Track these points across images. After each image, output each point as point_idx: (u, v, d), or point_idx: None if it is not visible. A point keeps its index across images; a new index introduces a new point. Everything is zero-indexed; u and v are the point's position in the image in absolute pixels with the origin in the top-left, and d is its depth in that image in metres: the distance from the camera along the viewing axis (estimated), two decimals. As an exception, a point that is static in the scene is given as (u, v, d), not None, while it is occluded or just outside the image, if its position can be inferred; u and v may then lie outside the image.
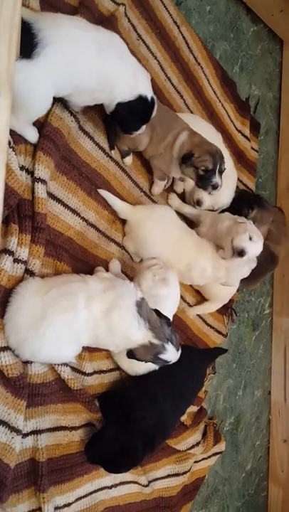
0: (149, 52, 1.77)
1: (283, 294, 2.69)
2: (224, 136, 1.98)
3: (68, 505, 1.35)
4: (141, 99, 1.32)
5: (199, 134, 1.57)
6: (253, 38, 2.52)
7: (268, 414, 2.74)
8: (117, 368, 1.55)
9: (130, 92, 1.30)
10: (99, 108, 1.49)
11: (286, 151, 2.69)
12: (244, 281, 1.80)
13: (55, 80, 1.16)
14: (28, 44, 1.05)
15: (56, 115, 1.31)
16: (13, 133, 1.19)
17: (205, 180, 1.56)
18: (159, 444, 1.54)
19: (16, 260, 1.21)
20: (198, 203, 1.80)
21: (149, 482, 1.71)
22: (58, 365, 1.31)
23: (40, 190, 1.25)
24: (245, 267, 1.67)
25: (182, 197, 1.87)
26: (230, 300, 2.24)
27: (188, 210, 1.82)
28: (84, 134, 1.46)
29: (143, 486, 1.68)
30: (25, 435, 1.23)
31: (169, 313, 1.45)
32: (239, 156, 2.32)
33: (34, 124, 1.29)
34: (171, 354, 1.23)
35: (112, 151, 1.56)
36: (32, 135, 1.26)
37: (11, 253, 1.17)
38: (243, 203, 1.87)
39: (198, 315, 2.01)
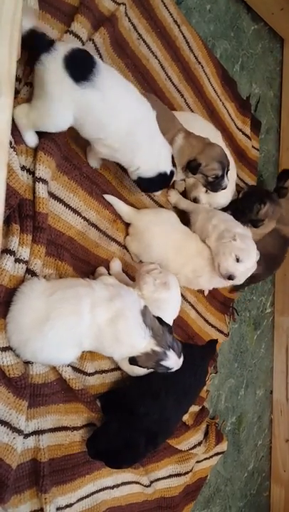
0: (149, 52, 1.77)
1: (285, 293, 2.69)
2: (225, 135, 1.98)
3: (70, 505, 1.35)
4: (160, 175, 1.41)
5: (193, 133, 1.57)
6: (253, 36, 2.52)
7: (270, 413, 2.74)
8: (119, 367, 1.55)
9: (152, 170, 1.39)
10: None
11: (287, 149, 2.69)
12: (267, 270, 1.80)
13: (81, 117, 1.18)
14: (87, 70, 1.12)
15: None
16: (14, 133, 1.19)
17: (215, 186, 1.58)
18: (162, 442, 1.54)
19: (18, 260, 1.20)
20: (194, 201, 1.81)
21: (151, 482, 1.71)
22: (60, 365, 1.31)
23: (41, 190, 1.25)
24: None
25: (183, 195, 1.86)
26: (231, 299, 2.25)
27: (185, 205, 1.81)
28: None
29: (145, 486, 1.67)
30: (26, 435, 1.23)
31: (171, 316, 1.47)
32: (240, 155, 2.31)
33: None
34: (173, 361, 1.24)
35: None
36: (31, 139, 1.24)
37: (12, 253, 1.17)
38: (254, 199, 1.85)
39: (199, 314, 2.00)
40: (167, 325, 1.26)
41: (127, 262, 1.62)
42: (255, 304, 2.54)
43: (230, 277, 1.53)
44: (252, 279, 1.80)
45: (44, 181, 1.26)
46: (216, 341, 2.01)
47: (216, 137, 1.86)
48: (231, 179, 1.93)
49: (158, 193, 1.61)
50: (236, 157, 2.25)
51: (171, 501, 1.80)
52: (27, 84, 1.25)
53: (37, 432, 1.26)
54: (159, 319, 1.25)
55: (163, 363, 1.23)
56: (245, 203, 1.79)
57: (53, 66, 1.10)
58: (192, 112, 1.97)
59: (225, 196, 1.89)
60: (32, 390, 1.23)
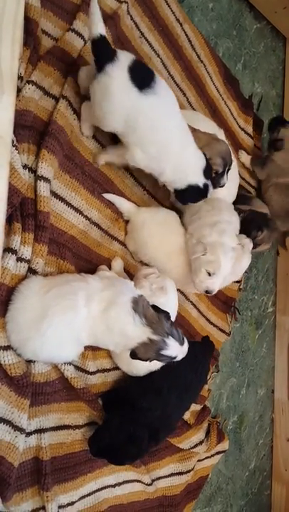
0: (151, 50, 1.76)
1: (286, 293, 2.69)
2: (227, 134, 1.98)
3: (72, 503, 1.35)
4: (191, 187, 1.45)
5: (199, 129, 1.56)
6: (256, 35, 2.51)
7: (272, 412, 2.74)
8: (121, 366, 1.55)
9: (180, 181, 1.44)
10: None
11: None
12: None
13: (136, 120, 1.26)
14: (149, 79, 1.24)
15: (61, 113, 1.31)
16: (16, 131, 1.19)
17: (214, 181, 1.57)
18: (164, 437, 1.54)
19: (19, 259, 1.20)
20: None
21: (153, 481, 1.71)
22: (61, 363, 1.31)
23: (43, 188, 1.25)
24: (244, 259, 1.73)
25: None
26: (233, 298, 2.24)
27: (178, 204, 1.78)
28: (87, 133, 1.46)
29: (146, 484, 1.68)
30: (28, 434, 1.24)
31: None
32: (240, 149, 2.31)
33: (37, 122, 1.29)
34: (175, 349, 1.20)
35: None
36: (86, 131, 1.40)
37: (14, 252, 1.17)
38: (253, 226, 1.92)
39: (201, 313, 2.00)
40: (164, 312, 1.22)
41: (129, 261, 1.62)
42: (256, 304, 2.54)
43: (207, 292, 1.54)
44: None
45: (46, 180, 1.26)
46: (208, 337, 2.00)
47: (218, 135, 1.85)
48: (234, 177, 1.92)
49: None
50: (236, 154, 2.24)
51: (173, 500, 1.80)
52: (29, 82, 1.25)
53: (39, 431, 1.27)
54: (155, 307, 1.22)
55: (164, 352, 1.18)
56: (244, 229, 1.85)
57: (118, 75, 1.19)
58: (194, 110, 1.96)
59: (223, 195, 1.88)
60: (34, 388, 1.23)
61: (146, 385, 1.45)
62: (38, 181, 1.25)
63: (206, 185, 1.48)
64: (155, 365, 1.44)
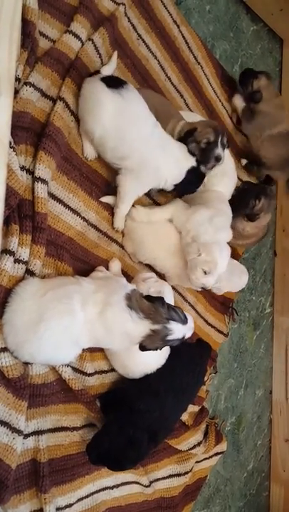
0: (149, 52, 1.77)
1: (284, 293, 2.69)
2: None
3: (70, 505, 1.35)
4: (190, 172, 1.46)
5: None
6: (252, 37, 2.52)
7: (270, 413, 2.74)
8: (118, 368, 1.55)
9: (180, 173, 1.46)
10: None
11: (286, 150, 2.69)
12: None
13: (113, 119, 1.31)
14: (118, 80, 1.34)
15: (58, 114, 1.31)
16: (13, 133, 1.19)
17: (207, 153, 1.55)
18: (163, 439, 1.54)
19: (17, 260, 1.20)
20: None
21: (151, 482, 1.71)
22: (59, 365, 1.31)
23: (40, 189, 1.25)
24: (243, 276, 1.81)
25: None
26: (231, 299, 2.25)
27: (157, 216, 1.71)
28: (84, 134, 1.46)
29: (144, 486, 1.67)
30: (26, 436, 1.23)
31: None
32: (240, 156, 2.32)
33: (34, 123, 1.29)
34: (179, 331, 1.21)
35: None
36: (90, 152, 1.45)
37: (11, 253, 1.17)
38: (249, 195, 1.88)
39: (199, 314, 2.01)
40: (158, 298, 1.23)
41: (127, 262, 1.62)
42: (254, 304, 2.55)
43: (203, 288, 1.57)
44: None
45: (44, 181, 1.26)
46: (202, 339, 2.00)
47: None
48: (231, 174, 1.93)
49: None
50: (236, 158, 2.25)
51: (171, 501, 1.80)
52: (26, 84, 1.25)
53: (37, 433, 1.26)
54: (148, 297, 1.22)
55: (169, 337, 1.20)
56: (240, 199, 1.83)
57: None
58: (191, 111, 1.97)
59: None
60: (31, 390, 1.23)
61: (143, 386, 1.45)
62: (36, 183, 1.24)
63: (198, 162, 1.49)
64: (151, 367, 1.44)
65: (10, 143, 1.14)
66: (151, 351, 1.21)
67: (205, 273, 1.51)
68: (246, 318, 2.47)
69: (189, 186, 1.53)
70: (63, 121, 1.33)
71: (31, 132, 1.28)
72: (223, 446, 2.10)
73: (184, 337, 1.23)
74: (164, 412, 1.44)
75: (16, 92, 1.23)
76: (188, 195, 1.65)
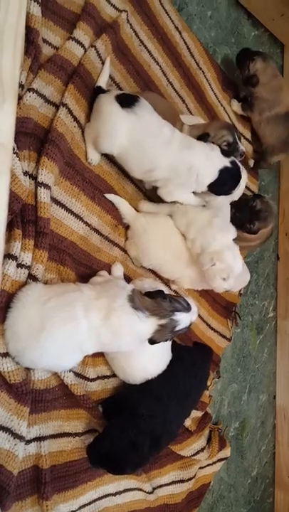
0: (151, 58, 1.78)
1: (287, 297, 2.68)
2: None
3: (72, 512, 1.34)
4: (222, 172, 1.46)
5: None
6: (254, 42, 2.53)
7: (273, 418, 2.72)
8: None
9: (212, 172, 1.46)
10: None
11: (289, 154, 2.69)
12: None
13: (121, 141, 1.35)
14: (131, 99, 1.35)
15: (61, 120, 1.32)
16: (16, 139, 1.20)
17: (232, 152, 1.57)
18: (165, 445, 1.52)
19: (20, 265, 1.21)
20: None
21: (154, 489, 1.70)
22: (61, 370, 1.31)
23: (43, 194, 1.25)
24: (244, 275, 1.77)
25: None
26: (234, 303, 2.24)
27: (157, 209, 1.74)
28: (87, 139, 1.47)
29: (147, 493, 1.66)
30: (28, 442, 1.23)
31: None
32: (241, 160, 2.32)
33: (37, 129, 1.30)
34: (185, 320, 1.25)
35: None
36: (94, 158, 1.46)
37: (14, 258, 1.17)
38: (243, 58, 2.01)
39: (202, 319, 2.00)
40: (157, 293, 1.26)
41: (129, 266, 1.62)
42: (257, 309, 2.54)
43: (227, 291, 1.60)
44: None
45: (46, 186, 1.27)
46: (200, 343, 2.00)
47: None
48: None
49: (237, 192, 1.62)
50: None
51: (174, 508, 1.78)
52: (30, 90, 1.26)
53: (38, 439, 1.26)
54: (148, 294, 1.25)
55: (177, 328, 1.23)
56: (237, 64, 1.95)
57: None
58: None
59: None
60: (33, 395, 1.23)
61: (146, 392, 1.44)
62: (39, 188, 1.25)
63: (233, 162, 1.49)
64: (151, 372, 1.44)
65: (13, 148, 1.15)
66: (146, 358, 1.27)
67: (224, 279, 1.54)
68: (249, 323, 2.46)
69: (223, 187, 1.51)
70: (66, 127, 1.34)
71: (34, 138, 1.29)
72: (226, 452, 2.09)
73: (191, 323, 1.27)
74: (167, 417, 1.43)
75: (20, 98, 1.24)
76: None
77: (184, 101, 1.94)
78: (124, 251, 1.61)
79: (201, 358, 1.73)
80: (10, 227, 1.20)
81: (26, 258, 1.22)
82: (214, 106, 2.13)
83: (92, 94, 1.44)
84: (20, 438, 1.16)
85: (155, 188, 1.55)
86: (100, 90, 1.44)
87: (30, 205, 1.24)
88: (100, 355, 1.46)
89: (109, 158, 1.53)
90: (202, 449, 1.90)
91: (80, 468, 1.39)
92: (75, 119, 1.39)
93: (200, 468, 1.95)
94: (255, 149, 2.39)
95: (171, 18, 1.87)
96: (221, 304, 2.14)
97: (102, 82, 1.48)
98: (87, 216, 1.46)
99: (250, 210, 1.85)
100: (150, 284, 1.49)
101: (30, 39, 1.25)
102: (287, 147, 2.24)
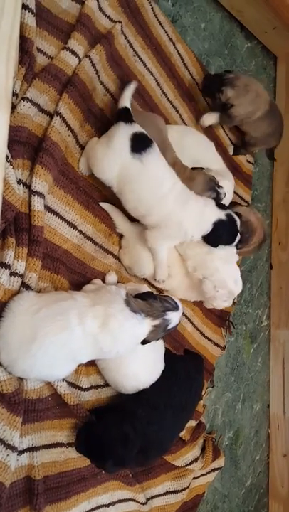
0: (145, 69, 1.80)
1: (281, 306, 2.69)
2: (219, 150, 2.01)
3: (64, 524, 1.32)
4: (217, 225, 1.47)
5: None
6: (247, 54, 2.57)
7: (267, 428, 2.71)
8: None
9: (205, 226, 1.47)
10: (94, 121, 1.51)
11: (281, 164, 2.72)
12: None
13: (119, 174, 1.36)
14: (144, 144, 1.33)
15: (55, 129, 1.33)
16: (10, 147, 1.20)
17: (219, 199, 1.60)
18: (153, 458, 1.50)
19: (13, 274, 1.20)
20: None
21: (148, 499, 1.68)
22: (54, 380, 1.30)
23: (37, 203, 1.26)
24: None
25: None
26: (227, 312, 2.24)
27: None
28: (81, 149, 1.48)
29: (141, 503, 1.64)
30: (20, 452, 1.21)
31: None
32: (234, 169, 2.34)
33: (31, 138, 1.31)
34: (175, 318, 1.30)
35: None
36: (85, 170, 1.46)
37: (7, 266, 1.17)
38: (211, 90, 1.94)
39: (196, 327, 2.00)
40: (147, 294, 1.30)
41: (123, 275, 1.62)
42: (251, 317, 2.54)
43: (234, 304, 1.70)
44: None
45: (40, 195, 1.27)
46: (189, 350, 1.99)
47: (209, 148, 1.89)
48: (229, 173, 1.96)
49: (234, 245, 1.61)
50: (230, 171, 2.27)
51: (168, 519, 1.76)
52: (24, 99, 1.27)
53: (31, 449, 1.24)
54: (140, 296, 1.28)
55: (169, 326, 1.29)
56: (206, 95, 1.95)
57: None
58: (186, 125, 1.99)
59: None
60: (26, 405, 1.21)
61: (142, 400, 1.42)
62: (32, 196, 1.25)
63: (228, 215, 1.50)
64: (143, 381, 1.42)
65: (7, 157, 1.15)
66: (138, 367, 1.33)
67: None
68: (243, 332, 2.47)
69: (219, 239, 1.51)
70: (60, 135, 1.34)
71: (28, 146, 1.29)
72: (220, 462, 2.07)
73: (179, 321, 1.32)
74: (162, 426, 1.41)
75: (14, 107, 1.25)
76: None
77: (177, 111, 1.96)
78: (119, 259, 1.61)
79: (194, 367, 1.73)
80: (3, 235, 1.20)
81: (19, 266, 1.21)
82: (208, 116, 2.15)
83: (118, 113, 1.38)
84: (13, 448, 1.15)
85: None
86: (125, 113, 1.37)
87: (23, 213, 1.24)
88: (93, 364, 1.45)
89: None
90: (196, 459, 1.89)
91: (73, 478, 1.37)
92: (69, 128, 1.40)
93: (194, 478, 1.93)
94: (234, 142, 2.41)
95: (165, 30, 1.89)
96: (215, 313, 2.14)
97: (127, 101, 1.39)
98: (81, 224, 1.46)
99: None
100: (134, 286, 1.50)
101: (25, 48, 1.26)
102: (270, 140, 2.29)
